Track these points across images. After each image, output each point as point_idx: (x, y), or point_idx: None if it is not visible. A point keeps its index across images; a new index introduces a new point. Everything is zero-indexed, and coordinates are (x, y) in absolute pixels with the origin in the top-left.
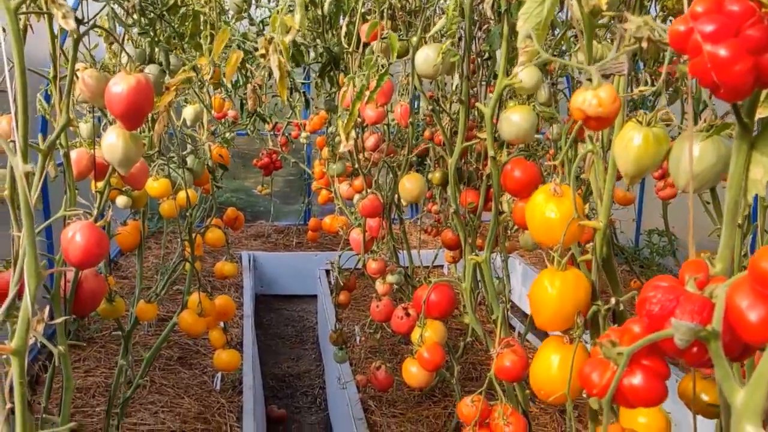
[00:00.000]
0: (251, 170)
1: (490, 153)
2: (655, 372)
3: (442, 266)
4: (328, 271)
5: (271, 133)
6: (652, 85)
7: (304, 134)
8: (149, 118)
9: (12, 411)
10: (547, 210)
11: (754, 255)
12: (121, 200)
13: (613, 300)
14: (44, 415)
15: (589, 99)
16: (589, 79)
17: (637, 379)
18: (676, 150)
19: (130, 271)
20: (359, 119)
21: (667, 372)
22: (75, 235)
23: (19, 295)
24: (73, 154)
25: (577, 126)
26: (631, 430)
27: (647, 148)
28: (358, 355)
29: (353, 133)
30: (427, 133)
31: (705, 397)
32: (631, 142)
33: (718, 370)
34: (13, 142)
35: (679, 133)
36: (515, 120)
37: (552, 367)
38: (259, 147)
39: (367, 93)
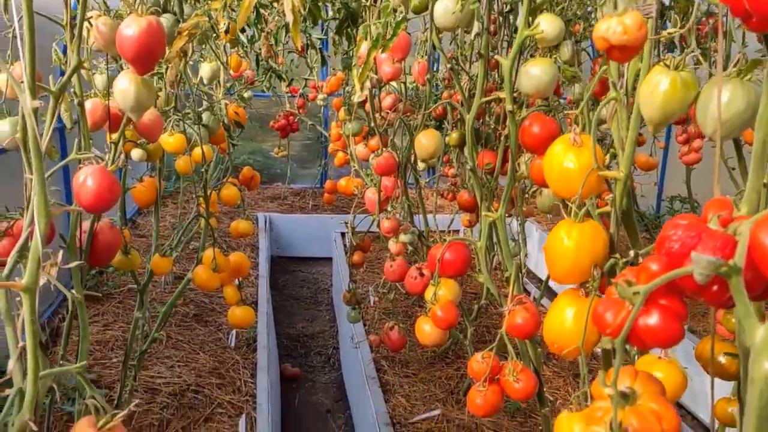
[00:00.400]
0: (269, 133)
1: (508, 107)
2: (672, 312)
3: (458, 231)
4: (343, 234)
5: (288, 94)
6: (682, 50)
7: (321, 96)
8: (164, 69)
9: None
10: (566, 160)
11: None
12: (136, 153)
13: (632, 252)
14: (61, 362)
15: (613, 26)
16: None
17: (653, 319)
18: (704, 95)
19: (147, 229)
20: (375, 76)
21: (685, 312)
22: (86, 180)
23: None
24: (88, 104)
25: (600, 70)
26: (644, 372)
27: (674, 93)
28: (372, 317)
29: (368, 83)
30: (445, 94)
31: (722, 360)
32: (658, 87)
33: (739, 307)
34: (24, 83)
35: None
36: (535, 73)
37: (566, 320)
38: (277, 110)
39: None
